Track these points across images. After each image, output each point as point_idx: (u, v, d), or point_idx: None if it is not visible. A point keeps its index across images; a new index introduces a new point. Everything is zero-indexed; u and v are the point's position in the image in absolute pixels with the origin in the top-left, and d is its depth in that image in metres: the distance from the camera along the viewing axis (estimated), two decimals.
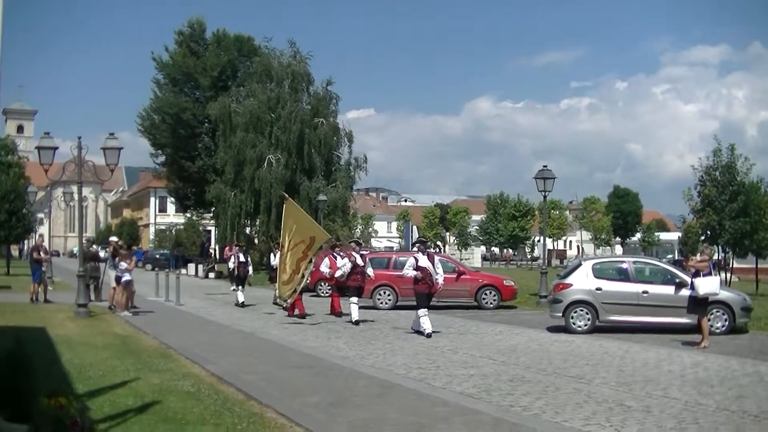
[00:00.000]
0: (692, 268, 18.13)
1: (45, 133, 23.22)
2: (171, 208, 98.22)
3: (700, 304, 17.56)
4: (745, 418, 9.90)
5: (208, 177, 57.80)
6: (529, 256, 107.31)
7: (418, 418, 9.67)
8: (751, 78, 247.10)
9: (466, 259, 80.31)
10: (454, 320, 23.01)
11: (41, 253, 28.47)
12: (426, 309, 19.07)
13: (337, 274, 23.16)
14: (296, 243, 22.23)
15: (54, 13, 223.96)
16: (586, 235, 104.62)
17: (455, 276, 26.68)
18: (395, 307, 26.82)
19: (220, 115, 52.22)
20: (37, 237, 39.13)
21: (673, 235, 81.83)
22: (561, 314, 20.20)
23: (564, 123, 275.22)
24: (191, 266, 58.67)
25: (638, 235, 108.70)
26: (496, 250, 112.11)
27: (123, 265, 24.03)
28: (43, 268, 28.53)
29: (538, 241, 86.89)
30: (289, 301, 23.03)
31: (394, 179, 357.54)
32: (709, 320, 18.10)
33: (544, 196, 31.10)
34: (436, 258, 20.80)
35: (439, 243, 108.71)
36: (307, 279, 23.87)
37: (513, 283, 28.79)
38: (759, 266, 36.98)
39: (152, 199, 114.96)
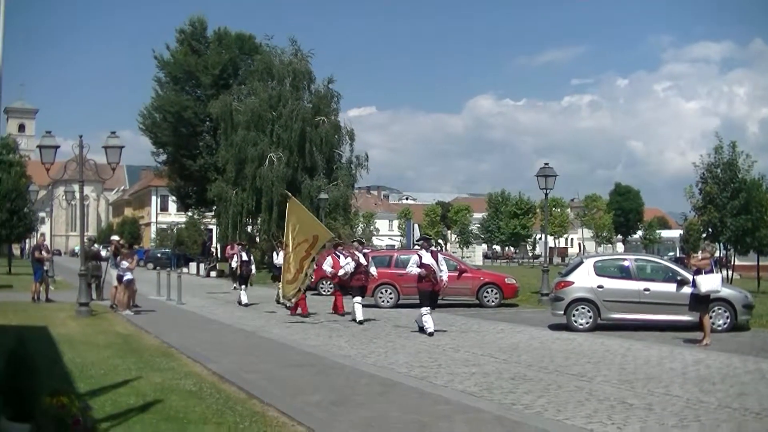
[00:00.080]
0: (694, 266, 18.12)
1: (46, 132, 23.25)
2: (172, 206, 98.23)
3: (701, 302, 17.54)
4: (747, 416, 9.89)
5: (210, 175, 57.83)
6: (530, 254, 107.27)
7: (420, 416, 9.67)
8: (753, 75, 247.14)
9: (467, 257, 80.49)
10: (456, 318, 23.00)
11: (43, 252, 28.49)
12: (429, 308, 19.01)
13: (340, 272, 23.13)
14: (299, 242, 22.21)
15: (55, 11, 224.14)
16: (588, 233, 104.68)
17: (457, 274, 26.64)
18: (397, 306, 26.83)
19: (222, 114, 52.28)
20: (38, 236, 39.15)
21: (675, 233, 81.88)
22: (563, 312, 20.20)
23: (565, 120, 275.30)
24: (192, 265, 58.63)
25: (640, 233, 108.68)
26: (497, 248, 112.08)
27: (124, 264, 24.03)
28: (45, 267, 28.53)
29: (540, 239, 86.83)
30: (293, 300, 23.05)
31: (396, 177, 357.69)
32: (710, 318, 18.10)
33: (546, 194, 31.08)
34: (440, 255, 20.80)
35: (440, 241, 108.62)
36: (311, 278, 23.90)
37: (514, 281, 28.79)
38: (760, 263, 36.97)
39: (153, 198, 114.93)
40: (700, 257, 18.09)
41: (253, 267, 30.59)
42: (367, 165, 54.62)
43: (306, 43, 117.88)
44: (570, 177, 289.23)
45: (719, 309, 19.23)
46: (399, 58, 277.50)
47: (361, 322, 21.31)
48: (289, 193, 25.52)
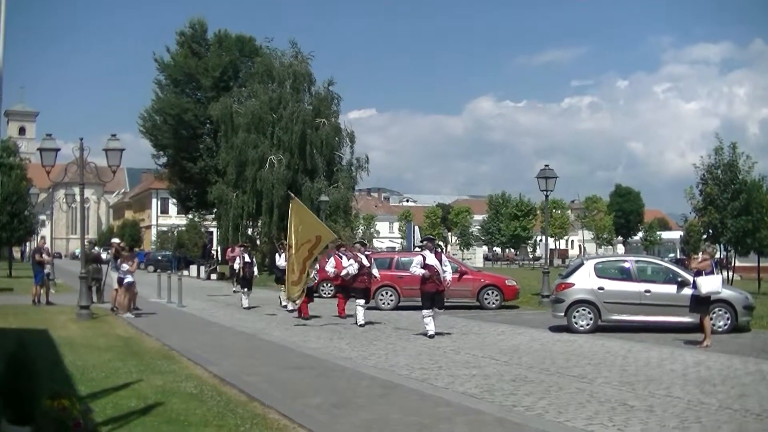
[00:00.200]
0: (694, 268, 18.11)
1: (47, 135, 23.24)
2: (173, 209, 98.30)
3: (702, 303, 17.55)
4: (748, 417, 9.90)
5: (210, 178, 57.82)
6: (531, 256, 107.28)
7: (421, 418, 9.67)
8: (753, 75, 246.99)
9: (468, 259, 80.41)
10: (457, 320, 22.99)
11: (44, 255, 28.50)
12: (431, 310, 18.98)
13: (343, 273, 23.05)
14: (302, 242, 22.18)
15: (55, 14, 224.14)
16: (588, 235, 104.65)
17: (457, 276, 26.65)
18: (397, 308, 26.84)
19: (222, 116, 52.24)
20: (39, 239, 39.11)
21: (675, 234, 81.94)
22: (563, 314, 20.20)
23: (565, 122, 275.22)
24: (193, 268, 58.65)
25: (640, 234, 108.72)
26: (498, 249, 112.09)
27: (125, 266, 24.03)
28: (47, 271, 28.56)
29: (540, 240, 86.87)
30: (297, 302, 23.09)
31: (396, 179, 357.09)
32: (711, 319, 18.10)
33: (546, 196, 31.07)
34: (444, 256, 20.78)
35: (440, 243, 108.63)
36: (314, 278, 23.90)
37: (515, 283, 28.79)
38: (761, 265, 36.97)
39: (154, 201, 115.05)
40: (699, 259, 18.10)
41: (256, 269, 30.58)
42: (368, 167, 54.54)
43: (306, 45, 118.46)
44: (570, 178, 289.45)
45: (720, 310, 19.23)
46: (399, 60, 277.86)
47: (361, 326, 21.28)
48: (292, 194, 25.50)
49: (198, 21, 66.25)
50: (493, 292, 27.75)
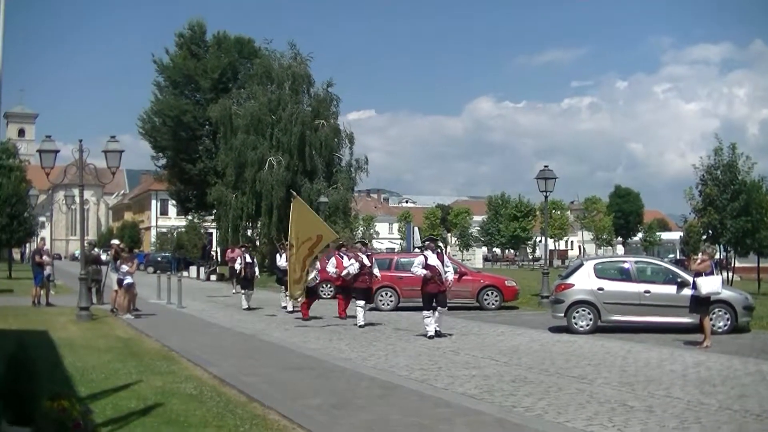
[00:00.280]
0: (694, 271, 18.08)
1: (46, 137, 23.27)
2: (172, 210, 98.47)
3: (702, 304, 17.55)
4: (748, 418, 9.90)
5: (209, 179, 57.86)
6: (530, 257, 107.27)
7: (421, 419, 9.67)
8: (753, 76, 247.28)
9: (467, 260, 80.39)
10: (456, 321, 22.99)
11: (44, 256, 28.52)
12: (431, 311, 18.95)
13: (343, 273, 22.97)
14: (303, 241, 22.17)
15: (54, 16, 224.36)
16: (588, 235, 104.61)
17: (457, 277, 26.63)
18: (397, 308, 26.84)
19: (221, 118, 52.27)
20: (38, 240, 39.14)
21: (675, 235, 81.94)
22: (563, 314, 20.20)
23: (565, 122, 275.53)
24: (193, 269, 58.69)
25: (640, 235, 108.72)
26: (497, 250, 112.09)
27: (124, 268, 24.04)
28: (48, 272, 28.58)
29: (540, 241, 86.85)
30: (300, 300, 23.11)
31: (396, 180, 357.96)
32: (711, 320, 18.10)
33: (546, 197, 31.08)
34: (446, 256, 20.73)
35: (440, 244, 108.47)
36: (316, 279, 23.86)
37: (515, 284, 28.79)
38: (761, 265, 36.97)
39: (153, 202, 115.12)
40: (698, 261, 18.08)
41: (257, 269, 30.55)
42: (367, 168, 54.60)
43: (305, 47, 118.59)
44: (570, 179, 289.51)
45: (719, 311, 19.23)
46: (398, 61, 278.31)
47: (361, 327, 21.25)
48: (294, 192, 25.51)
49: (197, 23, 66.33)
50: (492, 293, 27.75)
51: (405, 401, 10.82)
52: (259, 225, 52.13)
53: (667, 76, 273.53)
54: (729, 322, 19.41)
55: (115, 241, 28.93)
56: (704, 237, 36.17)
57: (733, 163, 33.23)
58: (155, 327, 21.00)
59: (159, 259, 69.09)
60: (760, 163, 34.22)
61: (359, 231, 79.91)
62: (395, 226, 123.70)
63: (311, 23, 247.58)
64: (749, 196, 32.76)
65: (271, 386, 11.97)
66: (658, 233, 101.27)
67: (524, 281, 36.79)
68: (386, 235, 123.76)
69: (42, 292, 27.75)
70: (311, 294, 23.91)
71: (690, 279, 18.41)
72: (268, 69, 53.44)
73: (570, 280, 20.63)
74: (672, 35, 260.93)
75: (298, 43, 58.85)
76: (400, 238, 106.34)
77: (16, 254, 72.28)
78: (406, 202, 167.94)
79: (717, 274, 18.55)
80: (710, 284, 17.47)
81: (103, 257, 30.33)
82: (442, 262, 19.29)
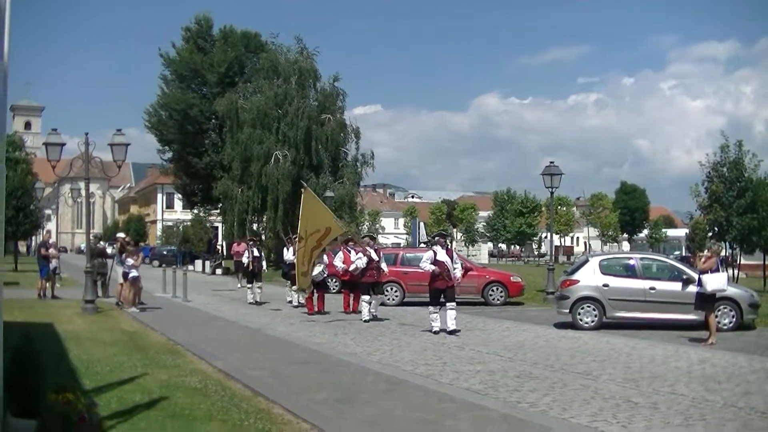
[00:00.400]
0: (701, 269, 18.02)
1: (52, 130, 23.30)
2: (178, 204, 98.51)
3: (707, 301, 17.53)
4: (752, 415, 9.89)
5: (215, 173, 57.88)
6: (536, 253, 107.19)
7: (425, 414, 9.67)
8: (759, 74, 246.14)
9: (473, 256, 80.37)
10: (461, 316, 22.81)
11: (50, 249, 28.56)
12: (438, 307, 18.88)
13: (351, 268, 22.93)
14: (311, 232, 22.16)
15: (61, 9, 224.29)
16: (594, 232, 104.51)
17: (462, 272, 26.61)
18: (402, 304, 26.84)
19: (227, 112, 52.28)
20: (44, 233, 39.23)
21: (681, 232, 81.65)
22: (568, 310, 20.21)
23: (571, 119, 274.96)
24: (198, 262, 58.72)
25: (645, 232, 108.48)
26: (503, 246, 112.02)
27: (130, 261, 24.08)
28: (54, 265, 28.62)
29: (545, 237, 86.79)
30: (307, 291, 23.15)
31: (402, 175, 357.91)
32: (716, 317, 18.09)
33: (551, 193, 31.02)
34: (455, 252, 20.62)
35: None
36: (323, 272, 23.77)
37: (520, 280, 28.79)
38: (766, 262, 36.88)
39: (159, 196, 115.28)
40: (703, 260, 18.05)
41: (264, 263, 30.46)
42: (373, 163, 54.62)
43: (311, 41, 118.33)
44: (576, 175, 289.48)
45: (725, 308, 19.23)
46: (404, 56, 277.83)
47: (366, 321, 21.25)
48: (305, 184, 25.50)
49: (203, 17, 66.21)
50: (497, 289, 27.76)
51: (410, 396, 10.82)
52: (264, 219, 52.15)
53: (673, 73, 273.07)
54: (734, 320, 19.41)
55: (121, 235, 28.94)
56: (710, 234, 36.09)
57: (739, 161, 33.15)
58: (160, 320, 21.03)
59: (165, 252, 69.18)
60: (766, 161, 34.02)
61: (365, 226, 79.86)
62: (401, 221, 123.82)
63: (318, 18, 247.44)
64: (755, 194, 32.69)
65: (275, 380, 11.99)
66: (663, 230, 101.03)
67: (530, 277, 36.78)
68: (392, 230, 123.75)
69: (48, 284, 27.81)
70: (320, 288, 23.86)
71: (695, 276, 18.39)
72: (275, 63, 53.44)
73: (575, 277, 20.63)
74: (678, 33, 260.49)
75: (305, 38, 58.98)
76: (406, 233, 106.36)
77: (22, 247, 72.42)
78: (412, 197, 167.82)
79: (722, 271, 18.52)
80: (716, 281, 17.45)
81: (109, 250, 30.32)
82: (451, 258, 19.16)
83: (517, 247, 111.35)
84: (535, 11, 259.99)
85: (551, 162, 30.33)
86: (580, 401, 10.58)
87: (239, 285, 36.34)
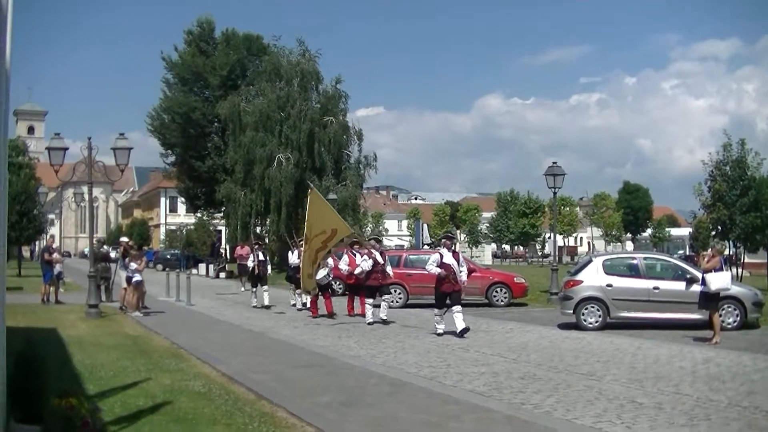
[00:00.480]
0: (705, 269, 17.98)
1: (55, 134, 23.31)
2: (181, 208, 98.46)
3: (711, 300, 17.51)
4: (757, 414, 9.87)
5: (218, 176, 57.89)
6: (539, 253, 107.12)
7: (429, 416, 9.66)
8: (761, 72, 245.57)
9: (476, 257, 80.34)
10: (466, 318, 22.90)
11: (54, 254, 28.61)
12: (442, 310, 18.85)
13: (357, 271, 22.78)
14: (317, 233, 22.13)
15: (63, 13, 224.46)
16: (597, 232, 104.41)
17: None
18: (406, 306, 26.82)
19: (230, 115, 52.29)
20: (48, 238, 39.21)
21: (684, 231, 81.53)
22: (572, 311, 20.19)
23: (574, 119, 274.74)
24: (202, 266, 58.78)
25: (649, 231, 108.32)
26: (506, 247, 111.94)
27: (133, 265, 24.08)
28: (60, 269, 28.68)
29: (549, 238, 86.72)
30: (312, 293, 23.14)
31: (405, 177, 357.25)
32: (720, 316, 18.07)
33: (554, 193, 31.05)
34: (461, 255, 20.51)
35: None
36: (329, 275, 23.71)
37: (524, 281, 28.76)
38: None
39: (163, 199, 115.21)
40: (707, 259, 18.02)
41: (269, 267, 30.38)
42: (376, 165, 54.56)
43: (313, 44, 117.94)
44: (579, 176, 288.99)
45: (729, 307, 19.22)
46: (406, 58, 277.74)
47: (370, 324, 21.23)
48: (312, 185, 25.47)
49: (206, 20, 66.25)
50: (501, 290, 27.76)
51: (414, 398, 10.82)
52: (268, 222, 52.18)
53: (675, 72, 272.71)
54: (738, 318, 19.40)
55: (124, 239, 28.97)
56: (713, 233, 36.02)
57: (742, 159, 33.07)
58: (164, 324, 21.04)
59: (168, 256, 69.21)
60: None
61: (368, 228, 79.83)
62: (404, 222, 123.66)
63: (320, 20, 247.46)
64: (758, 192, 32.59)
65: (279, 384, 11.98)
66: (667, 229, 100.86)
67: (533, 278, 36.76)
68: (395, 232, 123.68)
69: (51, 289, 27.84)
70: (325, 291, 23.80)
71: (699, 275, 18.37)
72: (277, 66, 53.45)
73: (579, 277, 20.61)
74: (680, 31, 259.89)
75: (307, 40, 58.90)
76: (409, 235, 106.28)
77: (25, 252, 72.43)
78: (415, 198, 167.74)
79: (726, 270, 18.50)
80: (719, 280, 17.43)
81: (112, 255, 30.35)
82: (458, 261, 19.08)
83: (521, 247, 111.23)
84: (536, 11, 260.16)
85: (554, 162, 30.38)
86: (584, 402, 10.57)
87: (242, 288, 36.34)
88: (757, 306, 19.85)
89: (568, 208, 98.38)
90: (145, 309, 24.32)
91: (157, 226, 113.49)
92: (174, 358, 14.86)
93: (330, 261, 23.91)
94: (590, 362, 14.30)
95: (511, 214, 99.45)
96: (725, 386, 11.75)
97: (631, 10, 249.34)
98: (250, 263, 28.88)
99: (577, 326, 19.90)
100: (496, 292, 27.65)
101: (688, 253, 62.00)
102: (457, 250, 20.74)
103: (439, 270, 18.71)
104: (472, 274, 26.66)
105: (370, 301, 21.84)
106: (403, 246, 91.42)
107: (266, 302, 27.04)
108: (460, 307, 18.70)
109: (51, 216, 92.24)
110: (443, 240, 20.25)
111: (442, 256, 18.89)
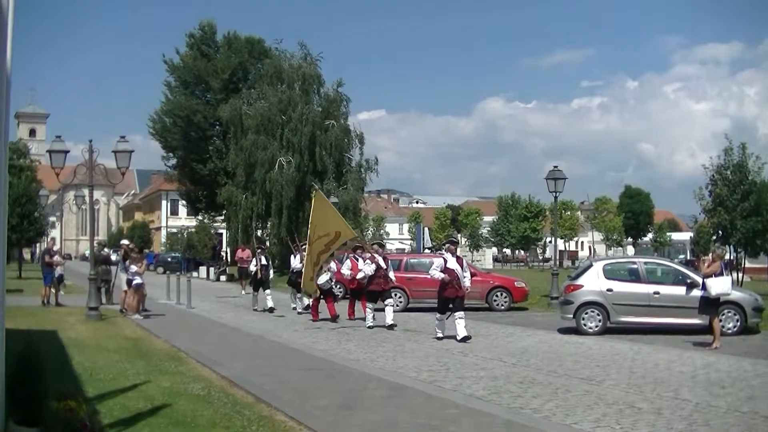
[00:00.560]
0: (705, 274, 17.97)
1: (56, 137, 23.35)
2: (182, 210, 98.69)
3: (711, 305, 17.51)
4: (757, 420, 9.87)
5: (220, 179, 57.96)
6: (540, 257, 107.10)
7: (428, 420, 9.66)
8: (763, 75, 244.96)
9: (477, 261, 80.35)
10: (465, 323, 22.92)
11: (55, 256, 28.64)
12: (444, 315, 18.78)
13: (359, 275, 22.64)
14: (320, 235, 22.11)
15: (64, 15, 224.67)
16: (598, 236, 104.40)
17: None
18: (406, 309, 26.79)
19: (231, 118, 52.37)
20: (48, 240, 39.24)
21: (685, 235, 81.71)
22: (572, 315, 20.18)
23: (575, 123, 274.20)
24: (203, 269, 58.78)
25: (650, 236, 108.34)
26: (507, 251, 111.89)
27: (133, 268, 24.09)
28: (60, 271, 28.71)
29: (550, 242, 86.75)
30: (314, 295, 23.14)
31: (406, 181, 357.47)
32: (720, 321, 18.07)
33: (555, 197, 31.07)
34: (465, 260, 20.41)
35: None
36: (331, 279, 23.64)
37: (524, 285, 28.75)
38: None
39: (164, 202, 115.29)
40: (707, 264, 18.01)
41: (272, 271, 30.32)
42: (377, 168, 54.64)
43: (315, 47, 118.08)
44: (580, 179, 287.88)
45: (729, 312, 19.19)
46: (408, 61, 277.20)
47: (370, 327, 21.22)
48: (317, 187, 25.47)
49: (207, 23, 66.40)
50: (502, 294, 27.73)
51: (413, 402, 10.81)
52: (269, 225, 52.23)
53: (677, 76, 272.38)
54: (738, 324, 19.37)
55: (125, 242, 28.98)
56: (714, 237, 36.01)
57: (743, 163, 33.03)
58: (164, 327, 21.05)
59: (169, 259, 69.21)
60: None
61: (369, 231, 79.83)
62: (405, 226, 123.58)
63: (321, 23, 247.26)
64: (759, 197, 32.56)
65: (279, 387, 11.98)
66: (668, 234, 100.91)
67: (534, 282, 36.71)
68: (396, 236, 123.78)
69: (51, 291, 27.86)
70: (327, 295, 23.74)
71: (699, 280, 18.37)
72: (279, 69, 53.53)
73: (579, 281, 20.60)
74: (681, 35, 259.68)
75: (309, 43, 59.24)
76: (411, 239, 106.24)
77: (26, 254, 72.52)
78: (417, 202, 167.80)
79: (727, 275, 18.50)
80: (720, 285, 17.42)
81: (113, 257, 30.37)
82: (461, 266, 18.97)
83: (522, 251, 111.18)
84: (535, 16, 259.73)
85: (555, 166, 30.39)
86: (583, 407, 10.56)
87: (243, 291, 36.34)
88: (758, 311, 19.84)
89: (569, 212, 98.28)
90: (145, 312, 24.33)
91: (158, 228, 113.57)
92: (173, 360, 14.86)
93: (333, 265, 23.89)
94: (590, 367, 14.30)
95: (512, 218, 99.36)
96: (725, 391, 11.75)
97: (632, 13, 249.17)
98: (252, 267, 28.80)
99: (577, 331, 19.90)
100: (497, 296, 27.64)
101: (689, 257, 62.05)
102: (460, 255, 20.61)
103: (443, 275, 18.59)
104: (473, 279, 26.74)
105: (371, 305, 21.81)
106: (404, 250, 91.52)
107: (269, 305, 26.94)
108: (463, 313, 18.60)
109: (52, 218, 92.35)
110: (447, 245, 20.12)
111: (446, 261, 18.80)
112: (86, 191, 26.08)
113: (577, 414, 10.12)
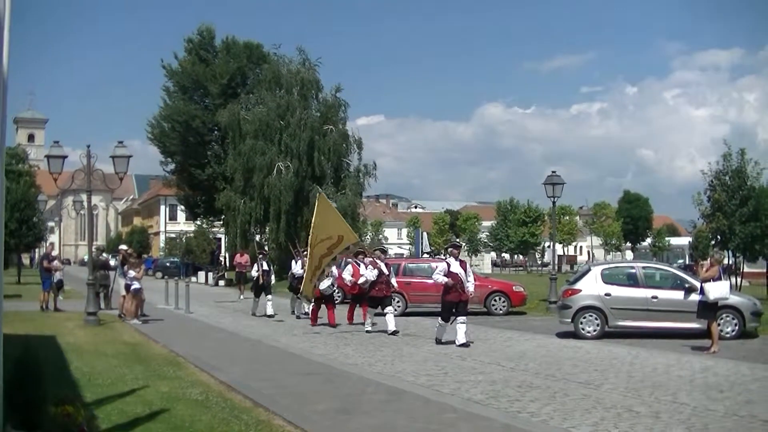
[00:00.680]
0: (703, 279, 17.98)
1: (54, 142, 23.38)
2: (181, 215, 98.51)
3: (709, 309, 17.51)
4: (755, 423, 9.88)
5: (218, 185, 57.90)
6: (539, 262, 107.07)
7: (427, 424, 9.67)
8: (763, 82, 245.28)
9: (476, 266, 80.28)
10: (466, 328, 22.92)
11: (54, 261, 28.65)
12: (447, 321, 18.67)
13: (360, 281, 22.61)
14: (322, 239, 22.10)
15: (63, 20, 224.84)
16: (597, 241, 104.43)
17: None
18: (405, 314, 26.78)
19: (230, 123, 52.35)
20: (47, 245, 39.29)
21: (684, 240, 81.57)
22: (570, 320, 20.20)
23: (575, 128, 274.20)
24: (201, 274, 58.80)
25: (649, 240, 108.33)
26: (506, 256, 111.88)
27: (132, 273, 24.10)
28: (59, 276, 28.71)
29: (548, 246, 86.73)
30: (311, 299, 23.14)
31: (405, 186, 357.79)
32: (718, 325, 18.08)
33: (553, 202, 31.13)
34: (468, 265, 20.34)
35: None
36: (332, 285, 23.49)
37: (522, 289, 28.78)
38: None
39: (162, 207, 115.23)
40: (705, 269, 18.02)
41: (273, 277, 30.31)
42: (375, 173, 54.58)
43: (313, 51, 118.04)
44: (579, 185, 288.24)
45: (727, 316, 19.23)
46: (407, 66, 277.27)
47: (368, 332, 21.22)
48: (320, 190, 25.46)
49: (206, 28, 66.27)
50: (500, 298, 27.77)
51: (411, 406, 10.82)
52: (267, 230, 52.20)
53: (676, 82, 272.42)
54: (737, 328, 19.41)
55: (123, 246, 28.98)
56: (713, 242, 36.04)
57: (741, 169, 33.08)
58: (162, 332, 21.04)
59: (168, 264, 69.21)
60: None
61: (368, 236, 79.80)
62: (404, 231, 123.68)
63: (320, 27, 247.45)
64: (758, 202, 32.59)
65: (277, 392, 11.98)
66: (667, 238, 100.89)
67: (532, 287, 36.70)
68: (395, 241, 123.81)
69: (50, 296, 27.85)
70: (328, 302, 23.64)
71: (697, 284, 18.38)
72: (277, 74, 53.54)
73: (577, 286, 20.63)
74: (681, 41, 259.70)
75: (307, 48, 59.16)
76: (409, 244, 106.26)
77: (25, 259, 72.49)
78: (415, 207, 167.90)
79: (725, 280, 18.52)
80: (718, 289, 17.43)
81: (112, 262, 30.36)
82: (465, 270, 18.84)
83: (521, 256, 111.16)
84: (535, 21, 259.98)
85: (553, 171, 30.48)
86: (581, 411, 10.57)
87: (241, 296, 36.35)
88: (756, 315, 19.87)
89: (567, 217, 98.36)
90: (143, 316, 24.34)
91: (157, 233, 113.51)
92: (172, 365, 14.87)
93: (335, 270, 23.80)
94: (588, 371, 14.31)
95: (511, 223, 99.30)
96: (723, 395, 11.76)
97: (632, 18, 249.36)
98: (254, 273, 28.77)
99: (575, 335, 19.91)
100: (495, 300, 27.67)
101: (687, 262, 62.00)
102: (463, 259, 20.55)
103: (446, 279, 18.50)
104: None
105: (371, 310, 21.79)
106: (402, 254, 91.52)
107: (269, 312, 26.89)
108: (465, 318, 18.53)
109: (51, 223, 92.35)
110: (451, 249, 20.03)
111: (449, 265, 18.70)
112: (85, 196, 25.99)
113: (575, 418, 10.12)
